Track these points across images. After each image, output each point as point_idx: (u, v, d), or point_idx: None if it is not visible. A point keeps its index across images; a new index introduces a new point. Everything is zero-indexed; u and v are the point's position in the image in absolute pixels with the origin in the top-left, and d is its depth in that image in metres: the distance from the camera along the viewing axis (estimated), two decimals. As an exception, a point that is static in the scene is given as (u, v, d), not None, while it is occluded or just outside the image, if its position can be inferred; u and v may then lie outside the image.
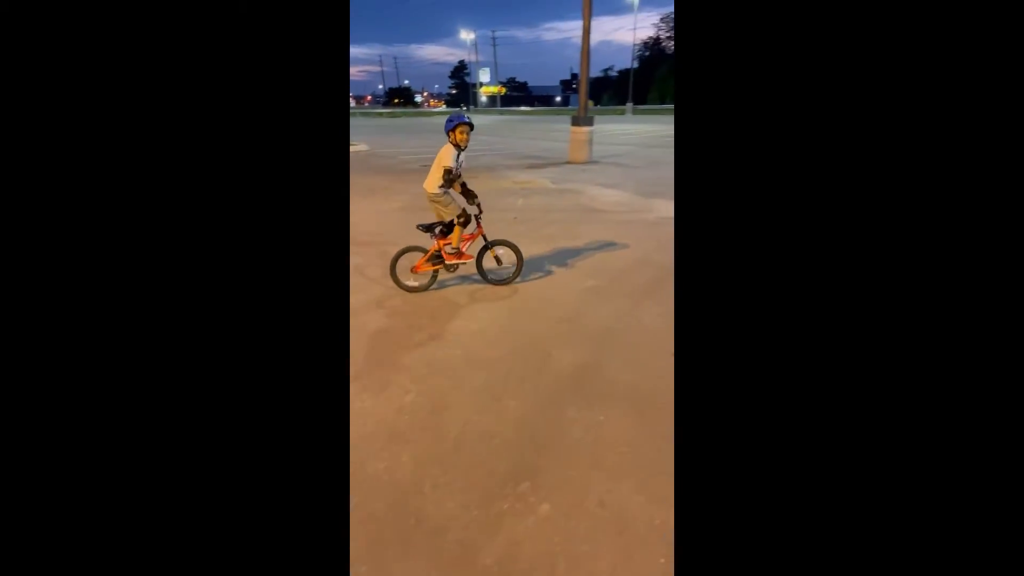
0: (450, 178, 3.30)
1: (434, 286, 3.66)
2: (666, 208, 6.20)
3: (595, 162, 10.81)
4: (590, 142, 10.81)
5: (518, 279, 3.72)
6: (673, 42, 50.63)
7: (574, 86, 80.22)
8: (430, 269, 3.55)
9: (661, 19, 59.34)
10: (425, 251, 3.53)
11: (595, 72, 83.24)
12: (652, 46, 53.58)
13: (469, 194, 3.41)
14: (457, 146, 3.31)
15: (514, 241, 3.71)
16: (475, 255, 3.66)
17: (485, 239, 3.62)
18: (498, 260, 3.71)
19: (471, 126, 3.32)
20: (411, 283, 3.56)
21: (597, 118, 12.72)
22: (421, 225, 3.50)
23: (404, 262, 3.59)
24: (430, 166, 3.40)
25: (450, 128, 3.28)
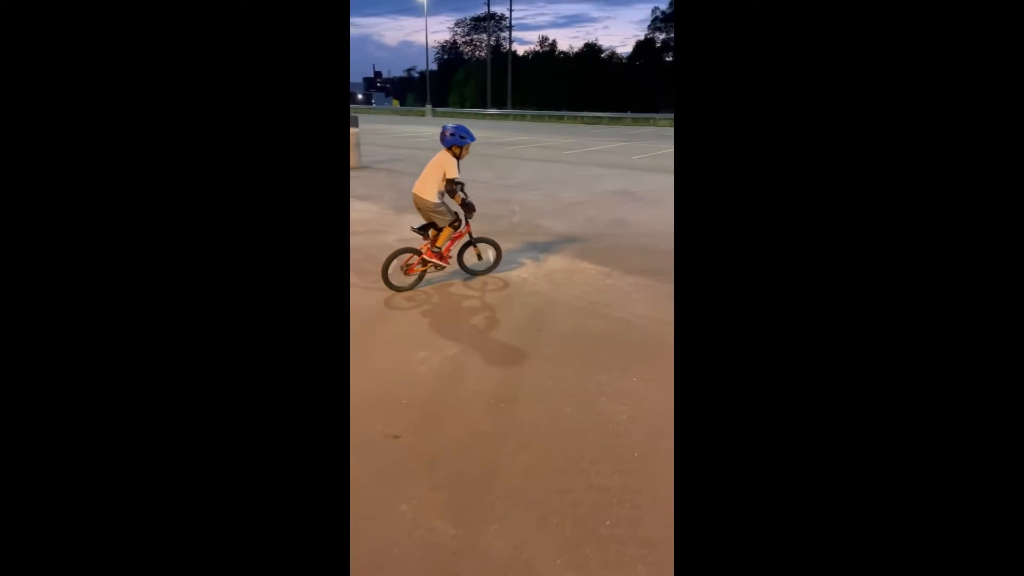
0: (453, 188, 3.36)
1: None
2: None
3: (365, 167, 9.73)
4: (357, 144, 9.67)
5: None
6: (470, 47, 52.19)
7: (379, 84, 77.03)
8: (421, 270, 3.61)
9: (456, 23, 60.61)
10: (416, 252, 3.56)
11: (398, 72, 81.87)
12: (449, 49, 54.21)
13: (468, 206, 3.53)
14: (458, 158, 3.42)
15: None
16: (457, 252, 3.83)
17: (470, 236, 3.75)
18: (480, 256, 3.86)
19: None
20: (399, 284, 3.56)
21: (398, 118, 11.77)
22: (415, 228, 3.63)
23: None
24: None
25: (461, 144, 3.39)
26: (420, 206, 3.45)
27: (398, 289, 3.54)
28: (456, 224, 3.54)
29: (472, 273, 3.91)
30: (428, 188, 3.39)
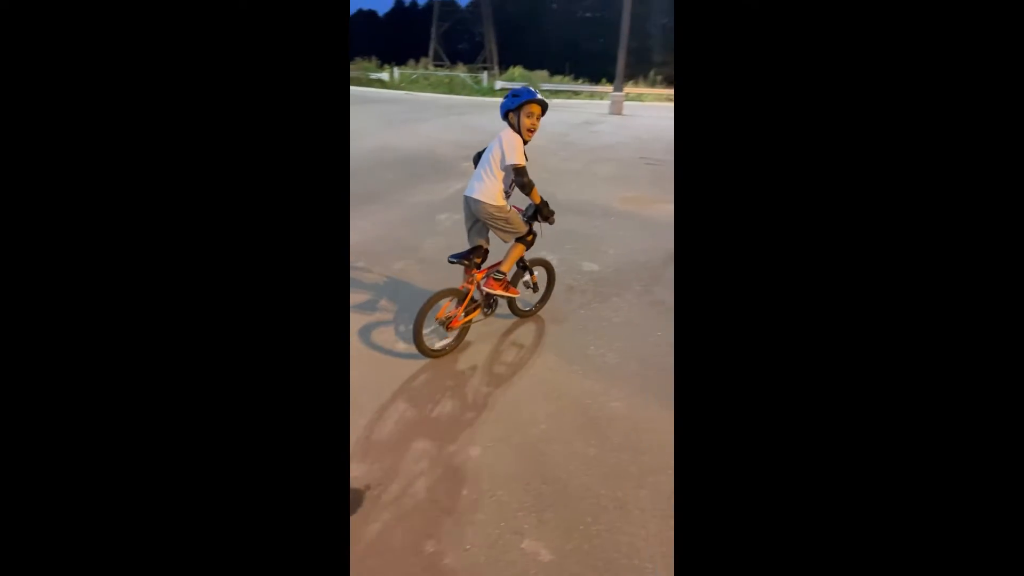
0: (523, 181, 2.20)
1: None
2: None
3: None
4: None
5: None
6: None
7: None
8: (467, 320, 2.38)
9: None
10: (460, 293, 2.32)
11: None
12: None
13: (546, 209, 2.36)
14: (520, 134, 2.24)
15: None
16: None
17: (523, 260, 2.56)
18: (535, 287, 2.72)
19: (544, 106, 2.28)
20: (438, 345, 2.35)
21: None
22: (454, 256, 2.31)
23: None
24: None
25: (514, 107, 2.24)
26: (480, 214, 2.32)
27: (435, 354, 2.34)
28: (531, 239, 2.45)
29: (521, 313, 2.77)
30: (490, 188, 2.27)
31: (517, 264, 2.56)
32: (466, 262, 2.34)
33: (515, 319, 2.78)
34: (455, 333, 2.42)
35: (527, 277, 2.67)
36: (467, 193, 2.35)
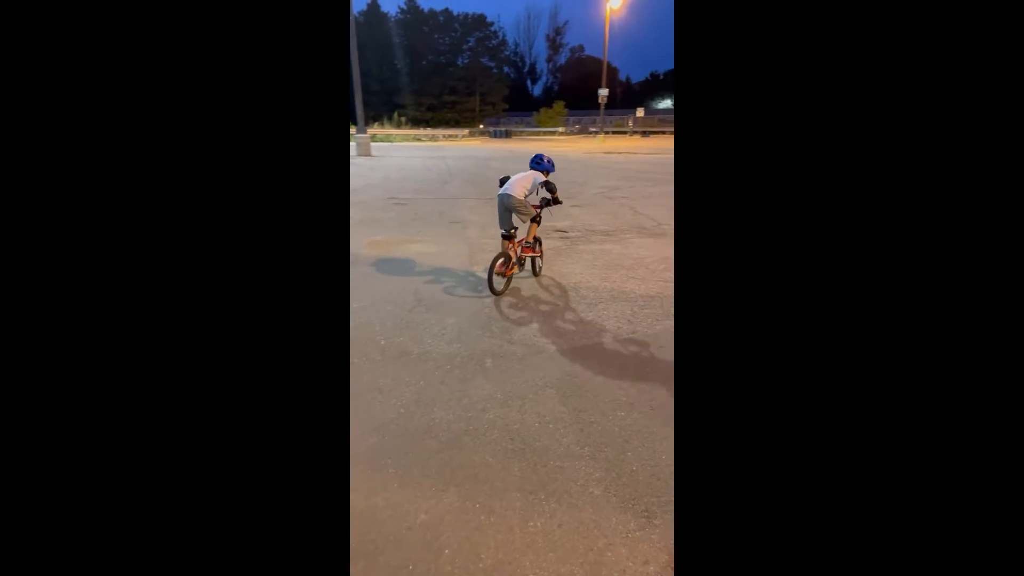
0: (550, 186, 3.87)
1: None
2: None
3: None
4: None
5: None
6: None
7: None
8: (513, 271, 3.83)
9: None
10: (507, 256, 3.74)
11: None
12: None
13: (557, 200, 3.96)
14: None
15: None
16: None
17: (538, 239, 4.08)
18: (541, 255, 4.15)
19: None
20: (499, 287, 3.74)
21: None
22: (503, 233, 3.82)
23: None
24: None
25: (545, 169, 3.91)
26: (510, 205, 3.74)
27: (498, 293, 3.69)
28: (539, 219, 3.88)
29: (535, 273, 4.20)
30: (519, 190, 3.75)
31: (535, 239, 4.05)
32: (511, 232, 3.81)
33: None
34: (506, 280, 3.82)
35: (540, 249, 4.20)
36: (502, 192, 3.78)
